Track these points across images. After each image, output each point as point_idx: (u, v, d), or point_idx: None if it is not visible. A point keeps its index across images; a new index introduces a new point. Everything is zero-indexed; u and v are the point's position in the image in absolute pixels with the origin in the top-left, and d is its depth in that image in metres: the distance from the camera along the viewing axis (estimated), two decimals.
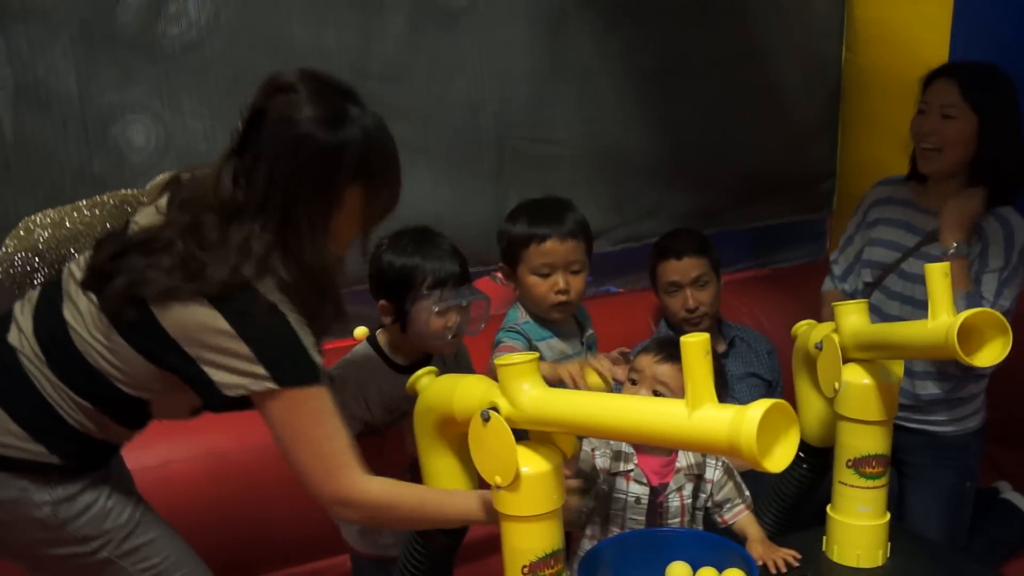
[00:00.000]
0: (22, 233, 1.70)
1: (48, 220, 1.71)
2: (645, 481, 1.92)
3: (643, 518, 1.92)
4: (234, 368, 1.47)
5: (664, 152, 3.08)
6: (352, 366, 1.98)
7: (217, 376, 1.48)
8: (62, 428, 1.56)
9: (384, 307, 1.93)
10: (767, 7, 3.10)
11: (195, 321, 1.46)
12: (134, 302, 1.48)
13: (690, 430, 1.27)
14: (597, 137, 2.94)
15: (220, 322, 1.46)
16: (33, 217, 1.72)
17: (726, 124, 3.14)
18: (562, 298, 2.09)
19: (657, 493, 1.92)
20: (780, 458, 1.22)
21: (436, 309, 1.86)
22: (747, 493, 1.98)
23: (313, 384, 1.50)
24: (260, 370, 1.46)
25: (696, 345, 1.26)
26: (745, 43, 3.11)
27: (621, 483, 1.93)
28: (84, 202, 1.74)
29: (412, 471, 1.83)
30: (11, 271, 1.69)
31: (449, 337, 1.90)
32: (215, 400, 1.51)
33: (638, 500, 1.91)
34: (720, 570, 1.72)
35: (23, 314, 1.60)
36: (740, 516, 1.95)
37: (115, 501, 1.63)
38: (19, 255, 1.68)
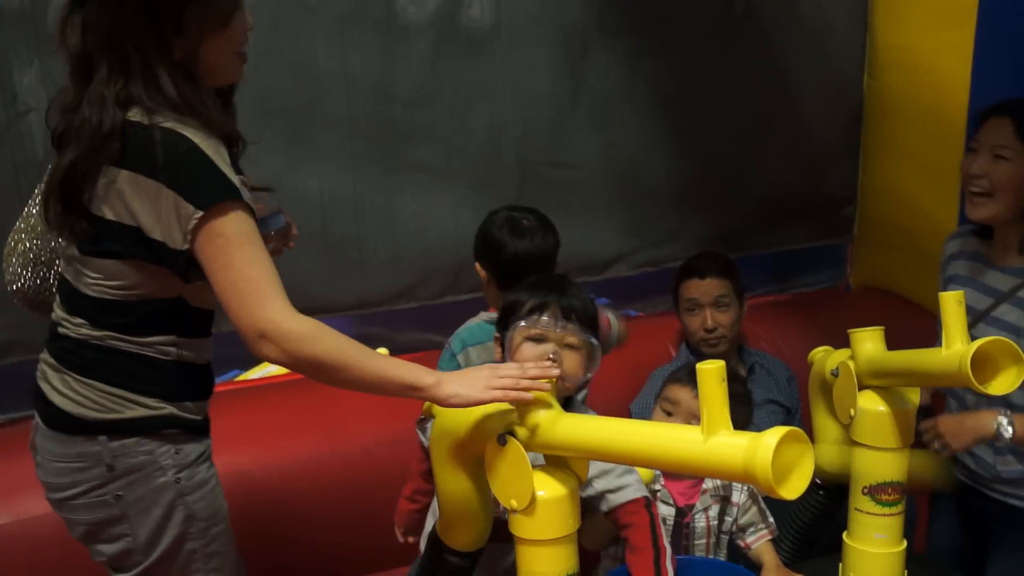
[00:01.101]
0: (17, 249, 1.72)
1: (25, 226, 1.72)
2: (672, 502, 1.93)
3: (669, 539, 1.92)
4: (163, 213, 1.45)
5: (684, 176, 3.08)
6: None
7: (160, 234, 1.47)
8: (145, 366, 1.57)
9: (497, 339, 1.85)
10: (788, 32, 3.10)
11: (112, 190, 1.47)
12: (75, 210, 1.51)
13: (706, 457, 1.28)
14: (617, 161, 2.96)
15: (123, 174, 1.46)
16: (12, 235, 1.73)
17: (746, 149, 3.15)
18: None
19: (683, 514, 1.93)
20: (795, 485, 1.23)
21: (527, 335, 1.72)
22: (771, 520, 1.98)
23: (233, 200, 1.46)
24: (181, 201, 1.43)
25: (712, 372, 1.27)
26: (766, 68, 3.12)
27: None
28: (37, 190, 1.71)
29: None
30: (27, 287, 1.72)
31: None
32: (179, 263, 1.48)
33: (664, 521, 1.92)
34: None
35: (56, 305, 1.64)
36: (761, 541, 1.96)
37: (220, 490, 1.67)
38: (26, 271, 1.71)
